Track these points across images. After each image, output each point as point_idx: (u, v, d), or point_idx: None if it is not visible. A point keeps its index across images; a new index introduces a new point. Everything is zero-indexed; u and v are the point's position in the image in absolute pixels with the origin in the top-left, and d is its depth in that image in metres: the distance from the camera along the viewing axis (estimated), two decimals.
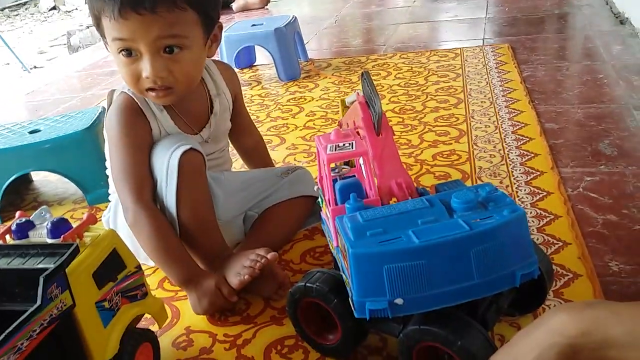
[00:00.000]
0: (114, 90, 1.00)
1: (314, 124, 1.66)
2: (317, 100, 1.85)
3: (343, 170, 0.89)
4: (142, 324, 0.82)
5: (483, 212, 0.68)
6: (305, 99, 1.87)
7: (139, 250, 0.94)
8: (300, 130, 1.63)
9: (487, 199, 0.70)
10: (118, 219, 1.01)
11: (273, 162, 1.27)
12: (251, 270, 0.89)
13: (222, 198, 1.03)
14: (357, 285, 0.66)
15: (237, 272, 0.90)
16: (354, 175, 0.85)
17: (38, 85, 2.62)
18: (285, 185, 1.09)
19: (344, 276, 0.74)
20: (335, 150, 0.78)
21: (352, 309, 0.68)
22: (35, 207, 1.33)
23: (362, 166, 0.85)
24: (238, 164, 1.31)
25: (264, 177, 1.11)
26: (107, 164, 1.03)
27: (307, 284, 0.78)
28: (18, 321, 0.56)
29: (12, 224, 0.73)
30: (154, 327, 0.83)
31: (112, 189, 1.06)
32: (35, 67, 4.00)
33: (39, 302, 0.58)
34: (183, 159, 0.91)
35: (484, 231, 0.64)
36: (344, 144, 0.79)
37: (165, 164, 0.91)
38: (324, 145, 0.80)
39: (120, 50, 0.89)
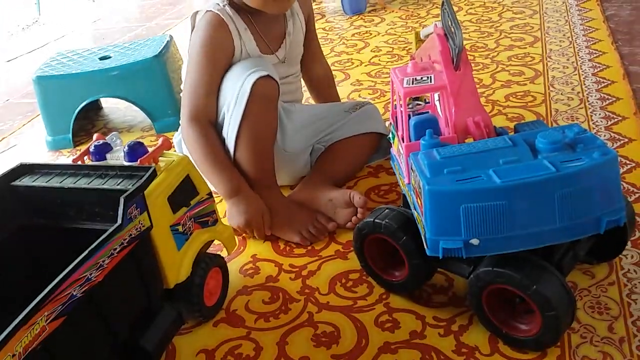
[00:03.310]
0: (197, 12, 1.00)
1: (379, 60, 1.61)
2: (382, 36, 1.78)
3: (417, 106, 0.86)
4: (211, 250, 0.83)
5: (570, 154, 0.64)
6: (371, 34, 1.81)
7: None
8: (365, 66, 1.59)
9: (575, 140, 0.66)
10: None
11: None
12: (314, 238, 0.92)
13: (291, 130, 1.02)
14: (432, 223, 0.65)
15: (299, 231, 0.92)
16: (428, 112, 0.82)
17: (103, 14, 2.64)
18: (352, 120, 1.07)
19: (415, 214, 0.72)
20: (413, 83, 0.75)
21: (425, 247, 0.67)
22: (106, 133, 1.36)
23: (438, 102, 0.82)
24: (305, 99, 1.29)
25: (333, 111, 1.09)
26: (183, 86, 1.04)
27: (376, 220, 0.77)
28: (100, 239, 0.58)
29: (90, 145, 0.74)
30: (223, 254, 0.85)
31: None
32: None
33: (119, 221, 0.60)
34: (257, 84, 0.91)
35: (571, 173, 0.61)
36: (421, 77, 0.75)
37: (238, 86, 0.92)
38: (400, 78, 0.76)
39: None
